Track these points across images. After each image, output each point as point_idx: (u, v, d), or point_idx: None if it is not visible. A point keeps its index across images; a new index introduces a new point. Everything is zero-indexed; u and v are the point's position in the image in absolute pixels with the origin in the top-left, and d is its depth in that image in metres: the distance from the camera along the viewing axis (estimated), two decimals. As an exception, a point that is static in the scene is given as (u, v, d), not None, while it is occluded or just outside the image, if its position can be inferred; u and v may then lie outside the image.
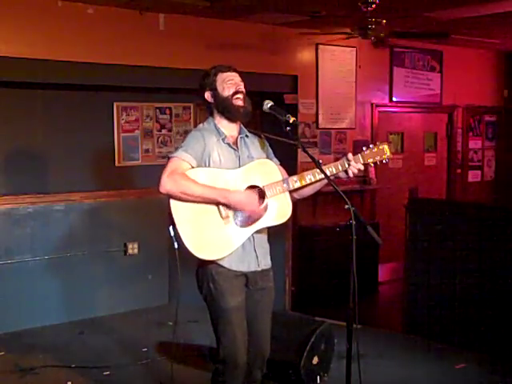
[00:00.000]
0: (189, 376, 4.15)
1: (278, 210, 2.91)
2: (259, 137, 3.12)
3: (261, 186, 2.89)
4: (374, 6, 4.80)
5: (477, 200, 7.86)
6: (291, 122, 2.86)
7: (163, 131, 6.13)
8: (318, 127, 6.69)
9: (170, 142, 6.15)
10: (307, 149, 2.99)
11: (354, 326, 2.69)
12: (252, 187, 2.89)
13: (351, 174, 2.95)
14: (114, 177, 5.83)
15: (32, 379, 4.20)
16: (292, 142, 3.06)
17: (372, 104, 7.17)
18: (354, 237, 2.62)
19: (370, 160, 3.00)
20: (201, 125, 3.03)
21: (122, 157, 5.88)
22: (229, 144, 2.94)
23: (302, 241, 6.52)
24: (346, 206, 2.65)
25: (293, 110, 6.16)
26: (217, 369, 2.93)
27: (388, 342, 4.96)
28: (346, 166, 2.93)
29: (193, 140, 2.88)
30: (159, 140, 6.10)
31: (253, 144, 3.04)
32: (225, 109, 2.95)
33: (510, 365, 4.35)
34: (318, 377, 4.02)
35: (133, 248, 5.81)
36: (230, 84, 2.95)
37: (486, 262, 4.69)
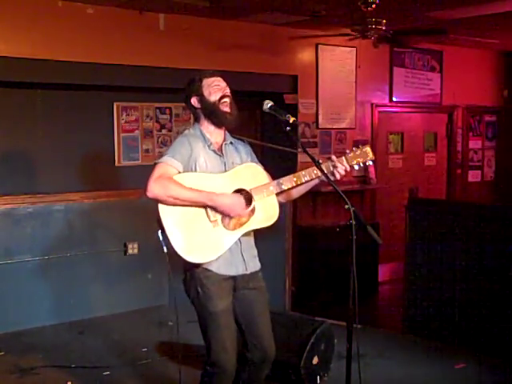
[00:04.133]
0: (189, 376, 4.15)
1: (266, 213, 2.92)
2: (243, 142, 3.13)
3: (248, 189, 2.90)
4: (374, 5, 4.81)
5: (477, 200, 7.86)
6: (291, 122, 2.86)
7: (163, 131, 6.13)
8: (317, 127, 6.69)
9: (170, 142, 6.15)
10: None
11: (354, 326, 2.70)
12: (239, 190, 2.90)
13: (338, 177, 2.93)
14: (114, 177, 5.83)
15: (32, 379, 4.19)
16: (289, 149, 3.06)
17: (372, 104, 7.17)
18: (354, 237, 2.63)
19: (354, 162, 2.99)
20: (186, 131, 3.03)
21: (122, 157, 5.89)
22: (214, 150, 2.95)
23: (302, 241, 6.52)
24: (346, 206, 2.66)
25: (293, 110, 6.16)
26: (206, 370, 2.95)
27: (388, 342, 4.96)
28: (331, 168, 2.92)
29: (179, 146, 2.88)
30: (159, 140, 6.11)
31: (237, 150, 3.05)
32: (212, 114, 2.95)
33: (510, 365, 4.35)
34: (318, 377, 4.02)
35: (133, 248, 5.81)
36: (216, 88, 2.96)
37: (486, 261, 4.69)
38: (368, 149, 3.03)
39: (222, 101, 2.94)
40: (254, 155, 3.13)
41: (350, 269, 2.61)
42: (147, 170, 5.52)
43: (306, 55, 6.55)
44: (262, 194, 2.89)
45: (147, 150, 6.03)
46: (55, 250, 5.40)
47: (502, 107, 8.45)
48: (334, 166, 2.91)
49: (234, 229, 2.86)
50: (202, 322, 2.91)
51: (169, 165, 2.80)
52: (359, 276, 2.64)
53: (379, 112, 7.25)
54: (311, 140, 6.63)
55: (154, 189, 2.72)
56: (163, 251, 2.78)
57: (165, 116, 6.14)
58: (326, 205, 6.50)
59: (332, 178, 2.93)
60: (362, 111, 7.08)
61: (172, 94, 6.03)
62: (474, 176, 8.37)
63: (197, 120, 3.03)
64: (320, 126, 6.70)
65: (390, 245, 6.38)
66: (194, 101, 2.98)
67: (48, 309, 5.34)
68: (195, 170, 2.86)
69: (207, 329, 2.89)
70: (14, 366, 4.36)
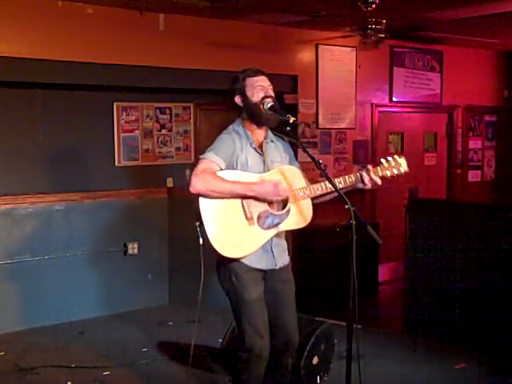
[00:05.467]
0: (189, 376, 4.15)
1: (300, 215, 3.06)
2: (282, 140, 3.19)
3: None
4: (374, 5, 4.80)
5: (477, 200, 7.86)
6: (291, 122, 2.92)
7: (163, 131, 6.13)
8: (317, 127, 6.69)
9: (170, 142, 6.15)
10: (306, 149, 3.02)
11: (354, 325, 2.70)
12: None
13: (370, 186, 2.99)
14: (114, 177, 5.83)
15: (32, 379, 4.20)
16: (294, 141, 3.12)
17: (372, 104, 7.16)
18: (354, 237, 2.65)
19: (389, 173, 3.05)
20: (230, 127, 3.08)
21: (122, 157, 5.88)
22: (255, 148, 3.02)
23: (302, 241, 6.51)
24: (346, 206, 2.67)
25: (293, 110, 6.16)
26: (240, 357, 3.02)
27: (388, 342, 4.96)
28: (366, 176, 2.98)
29: (223, 143, 2.96)
30: (159, 140, 6.10)
31: (277, 148, 3.13)
32: (254, 114, 3.02)
33: (510, 365, 4.35)
34: (318, 377, 4.02)
35: (133, 248, 5.81)
36: (259, 89, 3.02)
37: (486, 261, 4.69)
38: (403, 160, 3.09)
39: (264, 101, 2.99)
40: (292, 153, 3.21)
41: (350, 269, 2.62)
42: (147, 170, 5.52)
43: (305, 55, 6.54)
44: (297, 197, 3.00)
45: (147, 150, 6.02)
46: (55, 250, 5.40)
47: (502, 107, 8.44)
48: (368, 176, 2.97)
49: (269, 228, 2.96)
50: (237, 309, 3.02)
51: (212, 161, 2.89)
52: (359, 276, 2.64)
53: (379, 112, 7.25)
54: (311, 140, 6.63)
55: (197, 184, 2.81)
56: (199, 243, 2.87)
57: (165, 116, 6.14)
58: (326, 205, 6.46)
59: (362, 186, 3.01)
60: (362, 111, 7.07)
61: (172, 94, 6.03)
62: (473, 176, 8.36)
63: (239, 116, 3.09)
64: (320, 126, 6.70)
65: (389, 245, 6.37)
66: (237, 99, 3.06)
67: (48, 309, 5.33)
68: (236, 167, 2.95)
69: (242, 316, 2.99)
70: (14, 366, 4.37)
